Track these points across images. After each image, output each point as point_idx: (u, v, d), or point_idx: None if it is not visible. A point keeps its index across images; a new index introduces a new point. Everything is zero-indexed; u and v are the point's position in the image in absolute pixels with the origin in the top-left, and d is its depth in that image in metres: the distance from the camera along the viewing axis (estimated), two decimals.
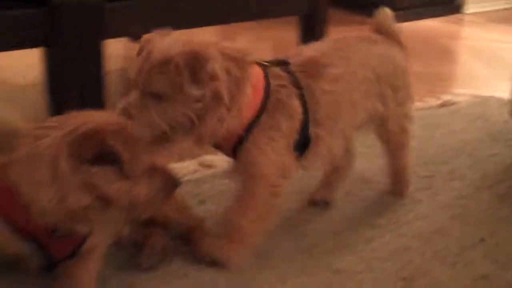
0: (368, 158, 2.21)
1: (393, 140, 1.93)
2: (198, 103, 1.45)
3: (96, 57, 2.19)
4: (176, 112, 1.46)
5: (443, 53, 4.09)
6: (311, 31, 2.92)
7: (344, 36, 1.87)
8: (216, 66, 1.45)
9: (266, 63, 1.65)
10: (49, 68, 2.20)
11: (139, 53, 1.52)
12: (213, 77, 1.44)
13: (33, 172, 1.29)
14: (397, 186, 2.02)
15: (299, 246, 1.72)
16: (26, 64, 3.18)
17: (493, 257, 1.71)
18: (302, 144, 1.65)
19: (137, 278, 1.55)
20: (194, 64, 1.43)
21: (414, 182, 2.06)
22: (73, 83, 2.16)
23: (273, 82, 1.60)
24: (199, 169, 2.16)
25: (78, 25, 2.10)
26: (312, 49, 1.76)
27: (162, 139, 1.50)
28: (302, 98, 1.62)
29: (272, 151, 1.58)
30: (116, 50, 3.40)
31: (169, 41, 1.49)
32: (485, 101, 2.94)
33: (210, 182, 2.05)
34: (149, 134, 1.46)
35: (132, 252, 1.62)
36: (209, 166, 2.18)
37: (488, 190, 2.08)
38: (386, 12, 1.92)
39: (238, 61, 1.51)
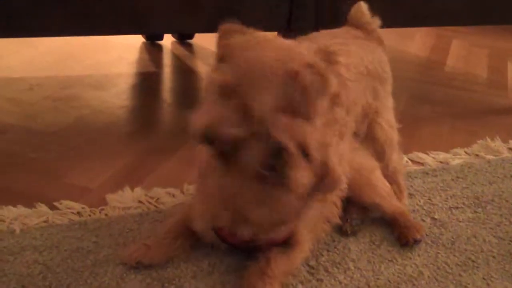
0: None
1: (382, 137, 1.85)
2: None
3: None
4: None
5: None
6: None
7: (335, 30, 1.84)
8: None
9: None
10: None
11: (221, 58, 1.34)
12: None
13: None
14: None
15: (508, 251, 1.71)
16: None
17: None
18: None
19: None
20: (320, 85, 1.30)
21: None
22: None
23: None
24: (409, 165, 2.21)
25: (316, 13, 2.22)
26: (312, 40, 1.69)
27: None
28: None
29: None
30: None
31: (277, 50, 1.33)
32: None
33: (420, 177, 2.08)
34: None
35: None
36: (419, 163, 2.22)
37: None
38: (360, 7, 1.84)
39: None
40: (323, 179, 1.34)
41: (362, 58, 1.75)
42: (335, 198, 1.65)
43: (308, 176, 1.29)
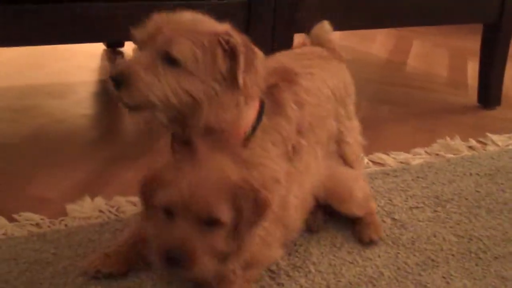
0: None
1: (351, 155, 1.88)
2: (217, 81, 1.38)
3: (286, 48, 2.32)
4: (193, 84, 1.36)
5: None
6: (494, 41, 2.86)
7: (300, 50, 1.84)
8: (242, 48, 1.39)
9: None
10: None
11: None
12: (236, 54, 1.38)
13: None
14: None
15: (468, 249, 1.73)
16: None
17: None
18: None
19: None
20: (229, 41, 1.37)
21: None
22: None
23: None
24: (370, 166, 2.23)
25: (273, 17, 2.23)
26: (274, 60, 1.69)
27: (175, 120, 1.42)
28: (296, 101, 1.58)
29: (276, 157, 1.53)
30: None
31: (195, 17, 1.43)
32: None
33: (381, 178, 2.10)
34: (163, 108, 1.37)
35: None
36: (380, 164, 2.24)
37: None
38: (324, 26, 1.87)
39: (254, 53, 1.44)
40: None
41: (325, 81, 1.74)
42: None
43: (210, 260, 1.32)
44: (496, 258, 1.70)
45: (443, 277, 1.61)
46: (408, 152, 2.35)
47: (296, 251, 1.66)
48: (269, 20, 2.25)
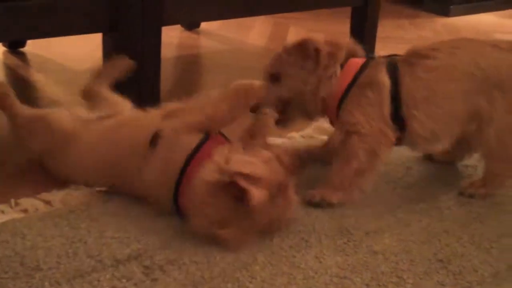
0: None
1: (490, 149, 1.93)
2: (304, 71, 1.92)
3: (154, 43, 2.30)
4: (290, 84, 1.95)
5: None
6: (363, 23, 2.96)
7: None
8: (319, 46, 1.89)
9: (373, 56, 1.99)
10: (108, 53, 2.30)
11: None
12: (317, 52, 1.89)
13: None
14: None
15: (340, 227, 1.78)
16: (85, 52, 3.30)
17: None
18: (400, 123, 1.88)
19: None
20: (305, 46, 1.90)
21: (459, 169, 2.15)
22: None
23: (370, 66, 1.91)
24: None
25: (140, 11, 2.19)
26: (428, 45, 1.96)
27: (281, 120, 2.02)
28: (393, 78, 1.87)
29: (365, 114, 1.86)
30: (170, 39, 3.50)
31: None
32: None
33: None
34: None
35: None
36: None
37: None
38: None
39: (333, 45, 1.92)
40: None
41: (476, 61, 1.87)
42: None
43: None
44: (366, 234, 1.76)
45: (316, 257, 1.64)
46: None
47: (171, 245, 1.65)
48: (137, 12, 2.21)
